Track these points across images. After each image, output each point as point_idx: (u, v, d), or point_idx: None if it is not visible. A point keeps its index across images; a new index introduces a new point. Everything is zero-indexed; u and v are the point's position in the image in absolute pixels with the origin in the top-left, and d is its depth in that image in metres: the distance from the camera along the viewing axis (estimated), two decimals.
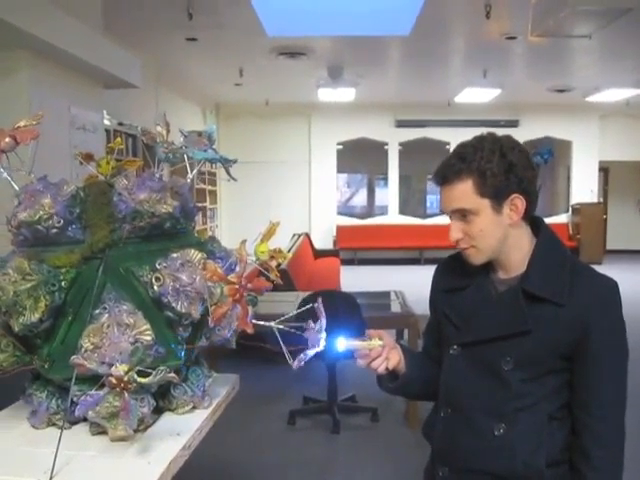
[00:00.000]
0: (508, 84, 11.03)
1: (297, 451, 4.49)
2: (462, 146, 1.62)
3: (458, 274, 1.73)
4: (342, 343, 1.61)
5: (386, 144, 14.64)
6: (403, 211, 15.03)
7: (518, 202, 1.58)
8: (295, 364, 1.46)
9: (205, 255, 1.49)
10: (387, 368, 1.68)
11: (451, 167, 1.59)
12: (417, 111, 13.81)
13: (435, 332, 1.83)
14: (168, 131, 1.60)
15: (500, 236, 1.61)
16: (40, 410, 1.51)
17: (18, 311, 1.36)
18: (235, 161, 1.67)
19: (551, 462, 1.59)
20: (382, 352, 1.65)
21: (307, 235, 10.92)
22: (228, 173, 1.69)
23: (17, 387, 1.62)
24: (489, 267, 1.69)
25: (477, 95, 11.88)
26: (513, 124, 13.80)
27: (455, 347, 1.69)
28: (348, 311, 4.61)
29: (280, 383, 5.67)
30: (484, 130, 1.69)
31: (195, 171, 1.63)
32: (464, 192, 1.57)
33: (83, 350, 1.34)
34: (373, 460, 4.28)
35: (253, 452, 4.44)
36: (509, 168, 1.56)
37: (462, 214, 1.60)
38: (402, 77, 11.17)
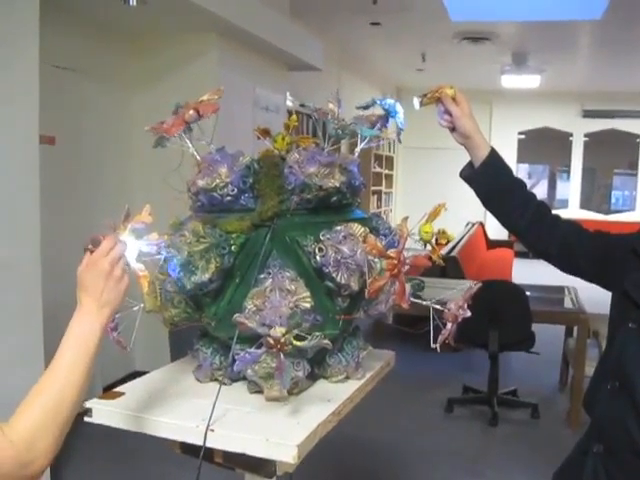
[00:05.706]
0: None
1: (452, 439, 4.46)
2: None
3: None
4: (415, 101, 1.68)
5: (571, 135, 13.98)
6: (585, 205, 14.31)
7: None
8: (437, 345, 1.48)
9: (367, 230, 1.52)
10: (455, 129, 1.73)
11: None
12: (606, 100, 13.00)
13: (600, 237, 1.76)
14: (339, 107, 1.64)
15: None
16: (205, 365, 1.63)
17: (191, 270, 1.46)
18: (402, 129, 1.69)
19: None
20: (448, 103, 1.68)
21: (481, 224, 10.71)
22: (398, 136, 1.71)
23: (188, 343, 1.76)
24: None
25: None
26: None
27: (633, 323, 1.57)
28: (513, 302, 4.54)
29: (441, 370, 5.63)
30: None
31: (361, 146, 1.67)
32: None
33: (246, 311, 1.42)
34: (529, 457, 4.15)
35: (408, 434, 4.47)
36: None
37: None
38: (591, 64, 10.60)
